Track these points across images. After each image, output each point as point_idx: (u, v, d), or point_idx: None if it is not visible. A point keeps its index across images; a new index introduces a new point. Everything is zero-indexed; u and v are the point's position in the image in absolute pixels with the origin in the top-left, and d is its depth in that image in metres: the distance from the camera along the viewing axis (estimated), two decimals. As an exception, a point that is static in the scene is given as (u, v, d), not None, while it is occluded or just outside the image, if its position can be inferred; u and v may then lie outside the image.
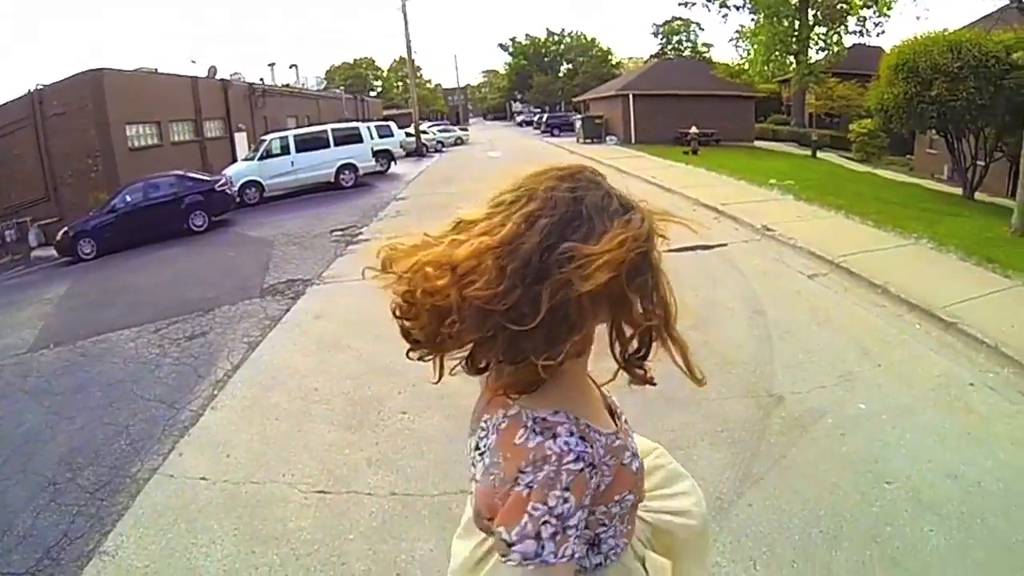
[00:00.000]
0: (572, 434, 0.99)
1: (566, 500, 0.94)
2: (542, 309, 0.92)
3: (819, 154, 26.46)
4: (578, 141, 34.13)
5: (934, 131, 17.47)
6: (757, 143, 33.05)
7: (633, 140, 32.60)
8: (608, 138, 33.90)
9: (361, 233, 11.24)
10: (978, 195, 16.26)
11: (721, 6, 33.00)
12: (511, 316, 0.93)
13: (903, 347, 6.06)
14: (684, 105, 31.83)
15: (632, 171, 18.32)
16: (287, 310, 7.51)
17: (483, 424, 1.13)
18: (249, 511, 3.89)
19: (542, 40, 78.97)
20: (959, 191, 16.79)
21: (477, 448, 1.12)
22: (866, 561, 3.18)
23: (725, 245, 9.42)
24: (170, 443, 4.87)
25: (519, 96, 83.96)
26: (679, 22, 68.59)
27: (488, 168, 21.58)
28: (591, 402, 1.16)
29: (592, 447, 1.02)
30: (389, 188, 18.58)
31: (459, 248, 0.99)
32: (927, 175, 21.97)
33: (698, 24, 68.90)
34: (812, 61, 30.87)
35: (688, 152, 25.50)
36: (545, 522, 0.93)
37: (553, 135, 43.41)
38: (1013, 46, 13.46)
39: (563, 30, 79.40)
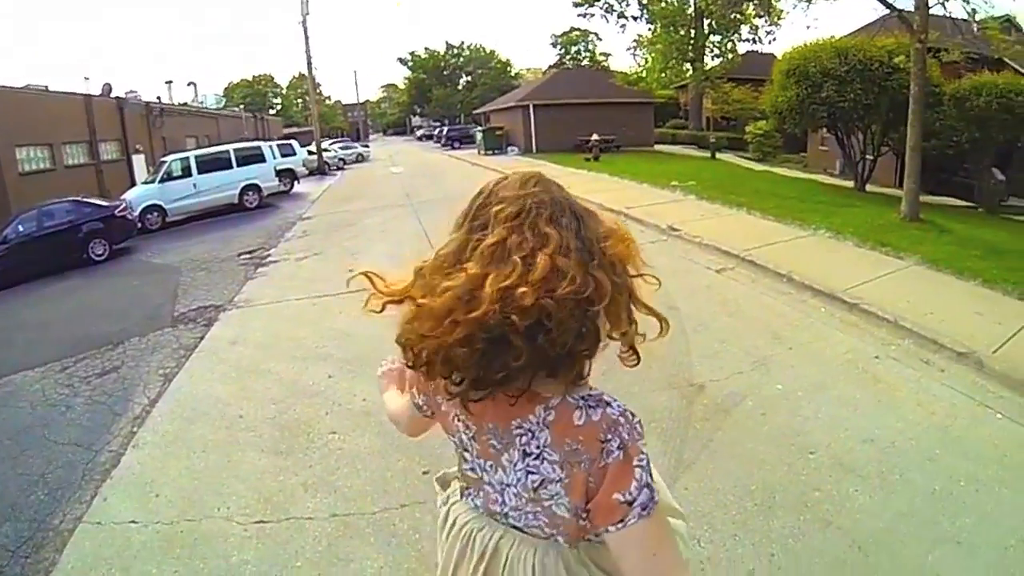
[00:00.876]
0: (615, 400, 1.11)
1: (645, 446, 1.08)
2: (607, 287, 1.03)
3: (718, 155, 27.74)
4: (479, 153, 34.38)
5: (825, 130, 18.76)
6: (657, 147, 34.22)
7: (535, 150, 33.14)
8: (510, 149, 34.37)
9: (269, 255, 10.88)
10: (868, 187, 17.52)
11: (619, 17, 34.25)
12: (592, 298, 1.02)
13: (811, 329, 6.39)
14: (584, 113, 32.75)
15: (536, 180, 18.62)
16: (201, 338, 7.15)
17: (519, 429, 1.14)
18: (188, 551, 3.62)
19: (441, 53, 78.91)
20: (851, 184, 18.03)
21: (526, 455, 1.14)
22: (800, 525, 3.31)
23: (631, 246, 9.66)
24: (92, 488, 4.49)
25: (419, 110, 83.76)
26: (577, 32, 70.37)
27: (392, 183, 21.44)
28: None
29: None
30: (294, 208, 18.18)
31: (528, 266, 1.01)
32: (820, 171, 23.50)
33: (596, 34, 71.09)
34: (708, 67, 32.50)
35: (590, 159, 26.22)
36: (648, 470, 1.05)
37: (454, 148, 43.60)
38: (895, 51, 14.61)
39: (462, 43, 79.73)
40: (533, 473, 1.13)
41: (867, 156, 17.44)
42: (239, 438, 4.57)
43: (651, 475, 1.06)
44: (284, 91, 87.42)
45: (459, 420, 1.24)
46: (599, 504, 1.06)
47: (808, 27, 32.82)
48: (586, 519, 1.12)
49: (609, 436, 1.05)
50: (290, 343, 5.98)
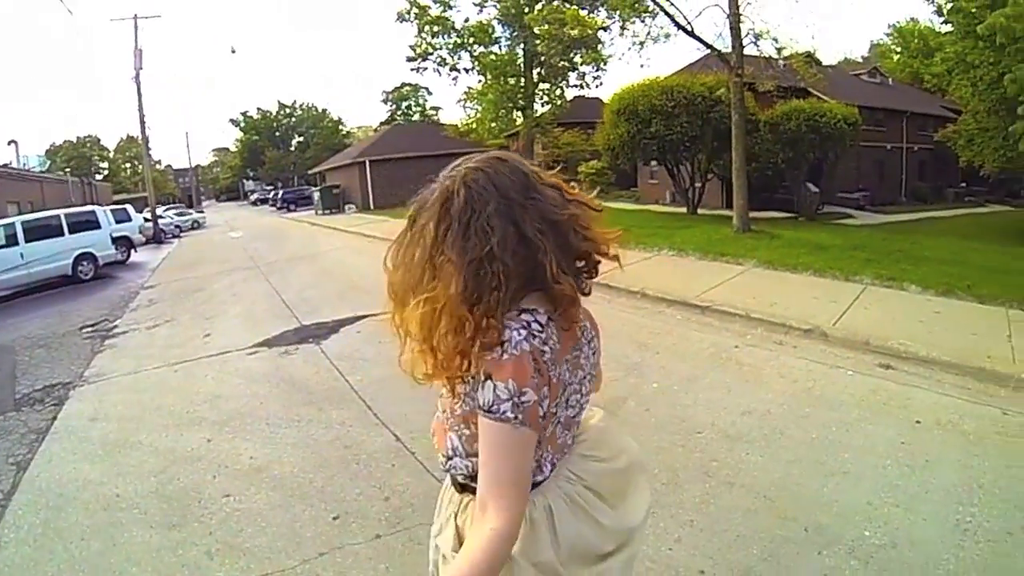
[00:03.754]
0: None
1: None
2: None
3: (553, 197, 29.30)
4: (317, 213, 33.99)
5: (655, 162, 20.62)
6: (489, 196, 35.41)
7: (372, 206, 33.29)
8: (347, 207, 34.27)
9: (116, 326, 9.89)
10: (700, 210, 19.41)
11: (452, 70, 35.46)
12: None
13: (672, 334, 6.93)
14: (420, 167, 32.44)
15: (378, 234, 18.76)
16: (54, 418, 6.27)
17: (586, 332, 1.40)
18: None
19: (274, 113, 78.03)
20: (683, 209, 19.89)
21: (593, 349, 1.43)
22: (708, 491, 3.53)
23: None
24: (-46, 608, 3.75)
25: (252, 173, 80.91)
26: (408, 88, 71.83)
27: (234, 248, 20.48)
28: None
29: None
30: (133, 277, 16.69)
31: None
32: (652, 202, 25.73)
33: (427, 88, 73.13)
34: (538, 114, 34.46)
35: (428, 211, 26.74)
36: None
37: (290, 210, 42.79)
38: (715, 86, 16.60)
39: (295, 102, 79.06)
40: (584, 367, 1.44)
41: (696, 183, 19.37)
42: (121, 518, 4.05)
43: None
44: (112, 154, 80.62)
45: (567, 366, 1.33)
46: None
47: (642, 66, 36.05)
48: None
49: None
50: (157, 412, 5.49)
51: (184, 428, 5.04)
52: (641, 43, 16.17)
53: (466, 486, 1.37)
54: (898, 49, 47.93)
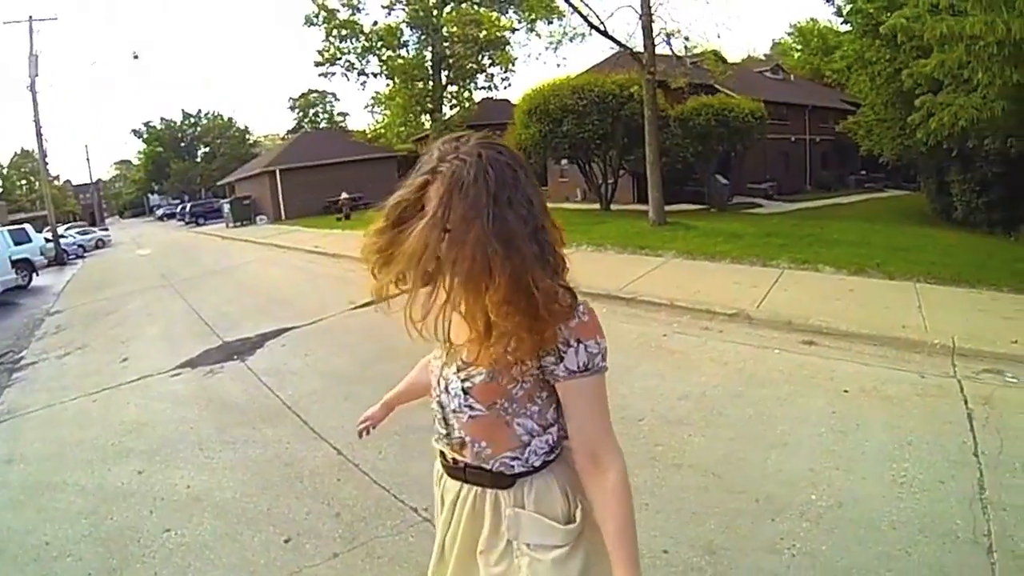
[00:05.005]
0: None
1: None
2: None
3: (463, 199, 29.56)
4: (228, 226, 32.71)
5: (566, 160, 21.03)
6: (403, 201, 35.26)
7: (284, 216, 32.42)
8: (259, 218, 33.22)
9: (22, 357, 9.05)
10: (613, 206, 19.93)
11: (360, 74, 35.24)
12: None
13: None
14: (330, 174, 33.02)
15: (293, 245, 18.35)
16: None
17: None
18: None
19: (178, 123, 74.20)
20: (596, 206, 20.33)
21: None
22: (657, 474, 3.59)
23: (407, 290, 9.91)
24: None
25: (157, 187, 76.73)
26: (315, 94, 70.42)
27: (144, 266, 19.39)
28: None
29: None
30: (37, 303, 15.34)
31: None
32: (563, 199, 26.19)
33: (334, 95, 71.87)
34: (447, 117, 34.67)
35: (341, 218, 26.44)
36: None
37: (199, 224, 40.98)
38: (626, 84, 17.20)
39: (199, 111, 75.62)
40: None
41: (608, 179, 19.87)
42: (54, 568, 3.69)
43: None
44: (5, 170, 74.52)
45: None
46: None
47: (558, 65, 36.70)
48: None
49: None
50: (80, 448, 5.05)
51: (111, 462, 4.69)
52: (558, 42, 16.52)
53: (519, 475, 1.35)
54: (799, 47, 50.72)
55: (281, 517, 3.51)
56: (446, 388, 1.35)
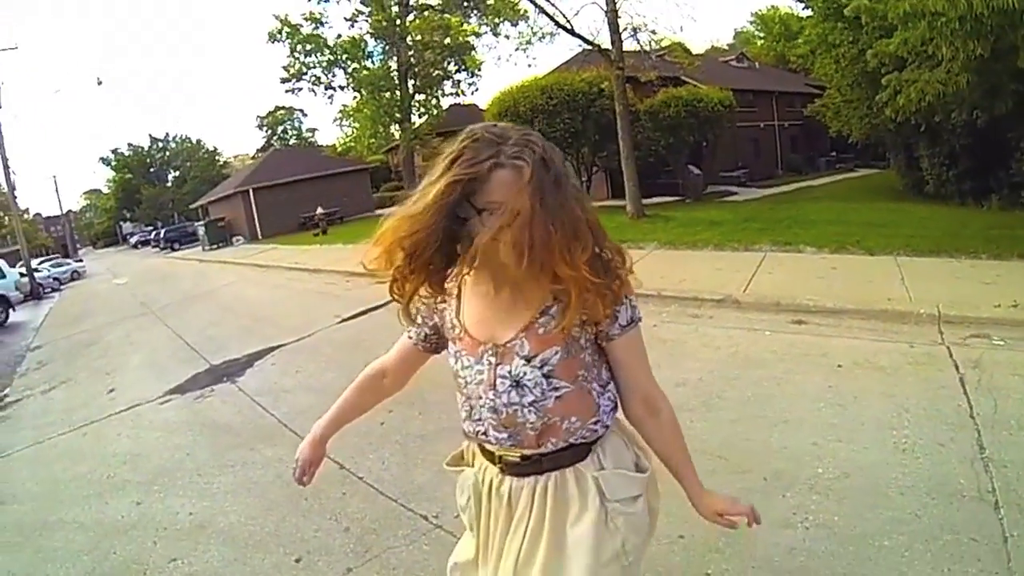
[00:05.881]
0: None
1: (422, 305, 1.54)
2: None
3: (440, 206, 29.59)
4: (204, 249, 32.33)
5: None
6: (378, 212, 35.07)
7: (260, 235, 32.14)
8: (235, 239, 32.92)
9: (6, 395, 8.86)
10: (589, 203, 20.02)
11: (327, 88, 35.10)
12: None
13: (591, 321, 7.10)
14: (304, 190, 32.91)
15: (272, 263, 18.24)
16: None
17: None
18: None
19: (146, 148, 73.72)
20: (573, 204, 20.46)
21: None
22: (659, 460, 3.64)
23: (392, 301, 9.82)
24: None
25: (129, 214, 75.57)
26: (282, 111, 70.18)
27: (122, 295, 19.07)
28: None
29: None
30: (15, 339, 15.00)
31: None
32: (538, 200, 26.35)
33: (301, 111, 71.61)
34: (416, 126, 34.64)
35: (318, 233, 26.33)
36: None
37: (174, 249, 40.48)
38: (595, 80, 17.33)
39: (167, 135, 75.07)
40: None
41: (582, 177, 20.01)
42: None
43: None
44: None
45: None
46: None
47: (529, 65, 36.73)
48: None
49: None
50: (74, 483, 4.94)
51: (108, 495, 4.63)
52: (527, 43, 16.70)
53: (594, 441, 1.45)
54: (761, 35, 51.49)
55: (289, 537, 3.49)
56: (516, 384, 1.36)
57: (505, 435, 1.40)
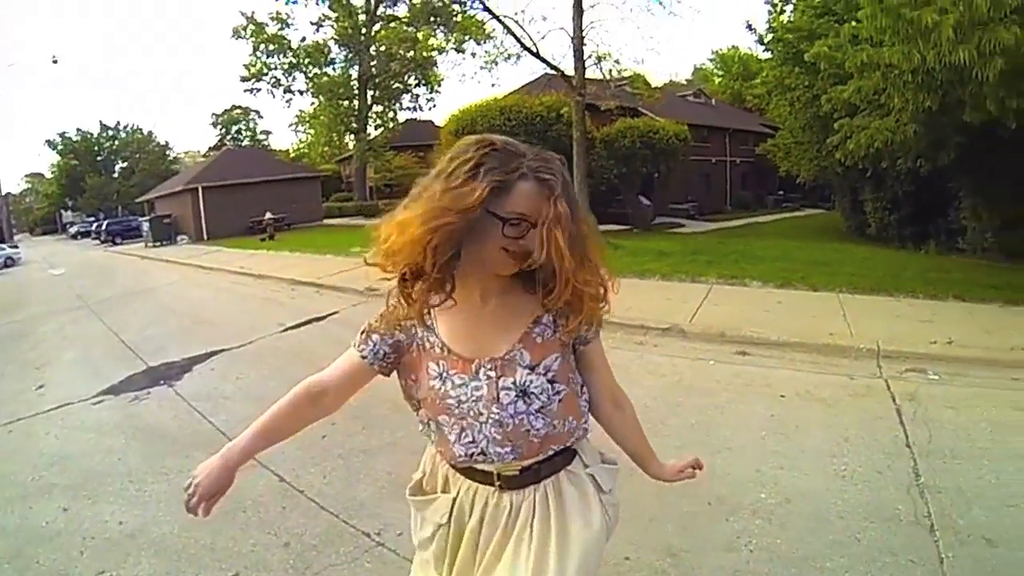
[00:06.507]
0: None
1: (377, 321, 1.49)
2: None
3: (391, 221, 29.44)
4: (147, 245, 31.10)
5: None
6: (327, 221, 34.86)
7: (206, 236, 31.13)
8: (180, 238, 31.83)
9: None
10: (541, 229, 20.25)
11: (286, 91, 34.87)
12: None
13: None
14: (254, 193, 32.16)
15: (217, 265, 17.75)
16: None
17: None
18: None
19: (95, 135, 70.76)
20: (528, 226, 20.67)
21: None
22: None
23: (336, 313, 9.71)
24: None
25: (71, 203, 72.05)
26: (238, 111, 68.77)
27: (57, 286, 18.20)
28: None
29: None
30: None
31: None
32: (490, 223, 26.51)
33: (257, 112, 70.19)
34: (371, 137, 34.62)
35: (266, 239, 25.77)
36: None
37: (116, 243, 38.84)
38: (553, 105, 17.72)
39: (118, 123, 72.51)
40: None
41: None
42: None
43: (360, 331, 1.49)
44: None
45: None
46: None
47: (493, 85, 37.59)
48: None
49: None
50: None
51: (33, 499, 4.37)
52: (493, 62, 16.92)
53: (572, 449, 1.52)
54: (720, 72, 53.34)
55: (225, 551, 3.36)
56: (523, 394, 1.37)
57: (507, 449, 1.38)
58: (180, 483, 4.22)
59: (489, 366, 1.37)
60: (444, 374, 1.39)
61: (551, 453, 1.44)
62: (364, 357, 1.47)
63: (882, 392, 4.82)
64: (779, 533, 2.98)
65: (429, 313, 1.40)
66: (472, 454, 1.40)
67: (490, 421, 1.37)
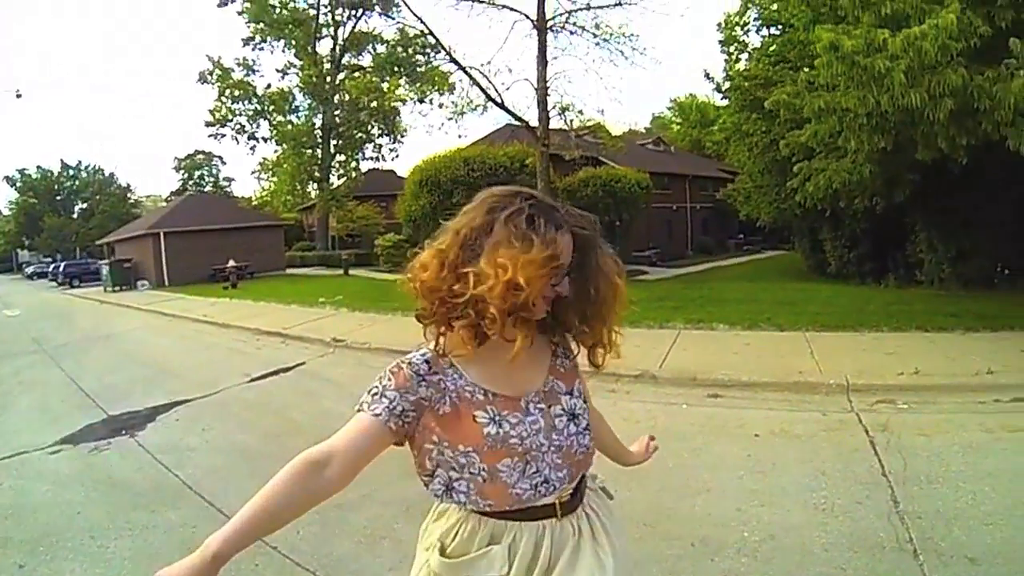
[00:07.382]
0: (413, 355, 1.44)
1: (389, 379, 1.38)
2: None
3: (351, 271, 29.20)
4: (106, 289, 30.32)
5: (457, 232, 21.74)
6: (289, 271, 34.73)
7: (168, 282, 30.52)
8: (140, 283, 31.13)
9: None
10: (505, 279, 20.47)
11: (250, 137, 35.01)
12: None
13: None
14: (217, 240, 31.83)
15: (179, 313, 17.44)
16: None
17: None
18: None
19: (55, 174, 70.13)
20: (489, 279, 20.87)
21: None
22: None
23: (304, 363, 9.60)
24: None
25: (28, 242, 70.35)
26: (201, 156, 69.06)
27: (13, 329, 17.52)
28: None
29: (430, 368, 1.40)
30: None
31: None
32: (452, 272, 26.67)
33: (221, 158, 70.69)
34: (334, 187, 34.80)
35: (228, 287, 25.43)
36: (372, 388, 1.39)
37: (73, 286, 37.94)
38: (516, 155, 18.25)
39: (79, 163, 71.61)
40: None
41: (501, 248, 20.54)
42: None
43: (370, 392, 1.37)
44: None
45: None
46: None
47: (460, 136, 37.89)
48: None
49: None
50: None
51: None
52: (460, 113, 17.32)
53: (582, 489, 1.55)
54: (678, 120, 55.03)
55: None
56: (572, 417, 1.48)
57: (564, 473, 1.41)
58: (144, 540, 4.15)
59: (536, 399, 1.42)
60: (496, 417, 1.36)
61: (589, 468, 1.55)
62: (378, 415, 1.31)
63: (855, 425, 4.96)
64: (765, 569, 3.02)
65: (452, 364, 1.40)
66: (537, 485, 1.36)
67: (551, 449, 1.40)
